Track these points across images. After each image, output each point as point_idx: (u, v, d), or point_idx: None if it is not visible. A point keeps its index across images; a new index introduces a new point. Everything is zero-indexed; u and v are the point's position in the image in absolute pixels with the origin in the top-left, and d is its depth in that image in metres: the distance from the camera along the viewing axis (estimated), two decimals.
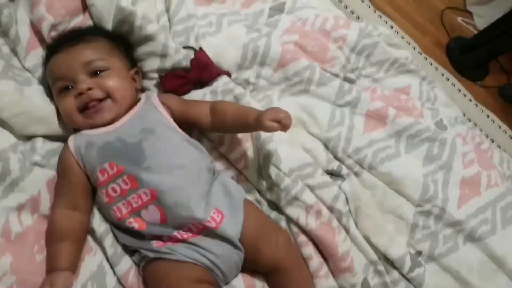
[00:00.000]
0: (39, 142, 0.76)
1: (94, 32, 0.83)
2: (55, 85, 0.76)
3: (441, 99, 1.15)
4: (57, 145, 0.79)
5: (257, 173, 0.87)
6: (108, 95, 0.75)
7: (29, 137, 0.77)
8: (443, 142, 0.97)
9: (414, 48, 1.38)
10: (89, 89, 0.74)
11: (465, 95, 1.38)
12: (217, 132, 0.86)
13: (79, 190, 0.73)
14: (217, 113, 0.81)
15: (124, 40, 0.85)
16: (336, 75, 1.04)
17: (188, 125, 0.82)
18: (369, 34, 1.09)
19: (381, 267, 0.85)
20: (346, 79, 1.05)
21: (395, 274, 0.86)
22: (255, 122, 0.74)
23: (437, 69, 1.37)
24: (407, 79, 1.13)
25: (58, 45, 0.79)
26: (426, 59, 1.37)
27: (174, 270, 0.68)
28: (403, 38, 1.38)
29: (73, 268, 0.68)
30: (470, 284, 0.86)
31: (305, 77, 0.98)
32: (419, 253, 0.89)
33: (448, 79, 1.37)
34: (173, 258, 0.69)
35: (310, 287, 0.78)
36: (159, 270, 0.69)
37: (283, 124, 0.72)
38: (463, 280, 0.87)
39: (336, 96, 0.99)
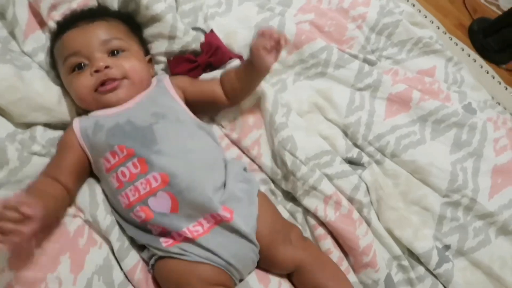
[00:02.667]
0: (39, 130, 0.72)
1: (110, 13, 0.79)
2: (67, 62, 0.72)
3: (468, 81, 1.07)
4: (59, 134, 0.74)
5: (271, 161, 0.81)
6: (125, 77, 0.72)
7: (28, 125, 0.72)
8: (472, 127, 0.90)
9: (438, 28, 1.29)
10: (107, 67, 0.70)
11: (493, 77, 1.29)
12: (234, 103, 0.81)
13: (69, 169, 0.68)
14: (225, 80, 0.78)
15: (139, 26, 0.82)
16: (355, 57, 0.97)
17: (203, 105, 0.78)
18: (390, 12, 1.02)
19: (405, 262, 0.80)
20: (365, 60, 0.98)
21: (421, 269, 0.81)
22: (250, 59, 0.72)
23: (463, 50, 1.28)
24: (432, 60, 1.05)
25: (71, 21, 0.75)
26: (451, 39, 1.29)
27: (187, 271, 0.63)
28: (426, 17, 1.29)
29: (46, 213, 0.57)
30: (503, 281, 0.80)
31: (322, 59, 0.91)
32: (447, 247, 0.83)
33: (475, 60, 1.28)
34: (185, 259, 0.64)
35: (339, 273, 0.74)
36: (171, 270, 0.64)
37: (272, 38, 0.69)
38: (495, 276, 0.81)
39: (355, 79, 0.92)
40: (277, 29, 0.69)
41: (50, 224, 0.65)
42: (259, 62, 0.71)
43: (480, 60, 1.30)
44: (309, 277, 0.70)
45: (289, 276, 0.73)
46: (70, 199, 0.69)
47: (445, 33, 1.29)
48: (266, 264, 0.71)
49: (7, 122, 0.69)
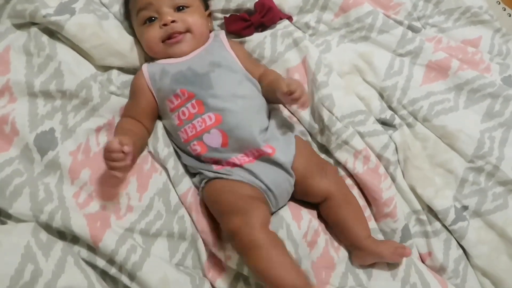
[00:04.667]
0: (114, 73, 0.86)
1: None
2: (139, 15, 0.83)
3: None
4: (130, 77, 0.87)
5: (310, 115, 0.90)
6: (188, 30, 0.82)
7: (105, 69, 0.85)
8: (507, 98, 0.92)
9: None
10: (173, 21, 0.80)
11: None
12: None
13: (145, 111, 0.81)
14: (263, 78, 0.86)
15: None
16: (400, 23, 1.01)
17: None
18: None
19: (423, 217, 0.87)
20: (410, 27, 1.02)
21: (437, 225, 0.87)
22: (276, 85, 0.78)
23: None
24: (478, 30, 1.06)
25: None
26: (504, 9, 1.27)
27: (230, 187, 0.74)
28: None
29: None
30: None
31: (367, 24, 0.96)
32: (465, 207, 0.89)
33: None
34: (230, 178, 0.75)
35: (360, 212, 0.82)
36: (216, 187, 0.76)
37: (295, 95, 0.74)
38: (508, 237, 0.86)
39: (397, 44, 0.97)
40: (301, 89, 0.75)
41: (136, 156, 0.79)
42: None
43: None
44: (335, 209, 0.79)
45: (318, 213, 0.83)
46: (148, 135, 0.83)
47: (499, 3, 1.27)
48: (301, 193, 0.80)
49: (90, 64, 0.82)
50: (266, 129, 0.80)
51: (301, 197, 0.82)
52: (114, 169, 0.69)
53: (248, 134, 0.76)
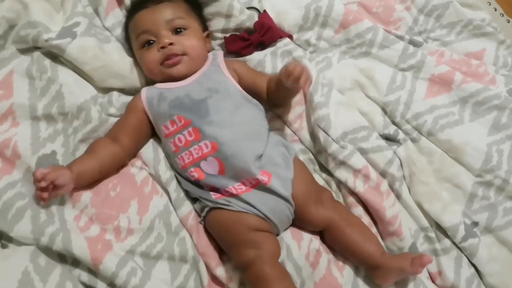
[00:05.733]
0: (115, 95, 0.86)
1: None
2: (138, 38, 0.84)
3: None
4: (130, 99, 0.87)
5: (310, 135, 0.89)
6: (185, 53, 0.83)
7: (106, 91, 0.86)
8: None
9: (495, 9, 1.26)
10: (171, 44, 0.81)
11: None
12: (270, 104, 0.89)
13: (129, 129, 0.81)
14: (270, 82, 0.85)
15: (199, 5, 0.92)
16: (401, 38, 1.00)
17: (249, 93, 0.86)
18: None
19: (432, 234, 0.84)
20: (412, 42, 1.01)
21: (447, 242, 0.84)
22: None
23: None
24: (482, 43, 1.06)
25: (143, 2, 0.86)
26: (508, 21, 1.26)
27: (234, 219, 0.74)
28: None
29: (79, 176, 0.72)
30: None
31: (367, 39, 0.96)
32: (475, 223, 0.86)
33: None
34: (230, 209, 0.75)
35: (366, 231, 0.81)
36: (222, 217, 0.75)
37: (295, 74, 0.72)
38: None
39: (399, 59, 0.96)
40: (300, 66, 0.73)
41: (100, 176, 0.78)
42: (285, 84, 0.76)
43: None
44: (339, 235, 0.78)
45: (321, 234, 0.81)
46: (125, 155, 0.81)
47: (503, 15, 1.26)
48: (300, 221, 0.80)
49: (91, 86, 0.83)
50: (262, 155, 0.79)
51: (302, 225, 0.80)
52: (40, 198, 0.70)
53: (242, 163, 0.75)
